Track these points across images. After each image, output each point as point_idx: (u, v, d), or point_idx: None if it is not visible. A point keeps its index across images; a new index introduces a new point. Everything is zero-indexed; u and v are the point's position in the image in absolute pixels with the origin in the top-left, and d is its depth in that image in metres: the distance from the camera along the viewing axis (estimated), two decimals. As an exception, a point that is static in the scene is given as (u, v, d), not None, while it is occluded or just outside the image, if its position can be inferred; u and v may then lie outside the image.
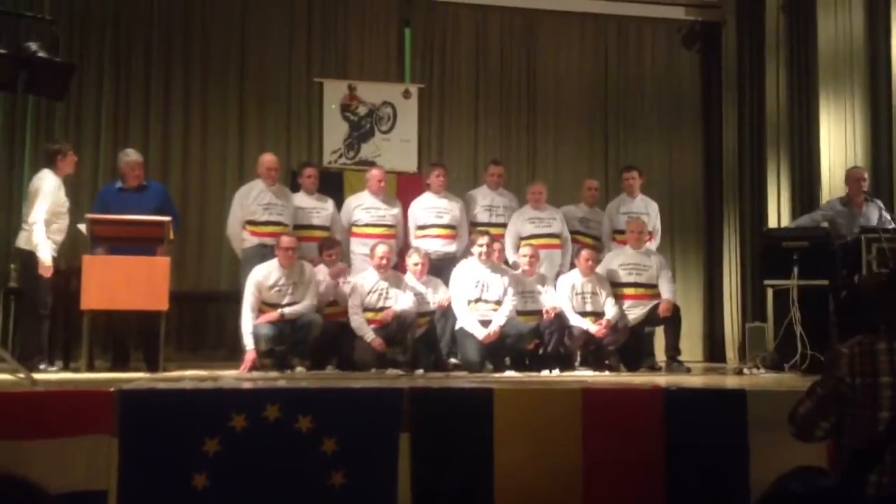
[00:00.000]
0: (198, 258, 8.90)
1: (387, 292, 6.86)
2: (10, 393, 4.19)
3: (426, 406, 4.37)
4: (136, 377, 5.58)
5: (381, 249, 6.91)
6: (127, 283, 6.08)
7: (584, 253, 7.35)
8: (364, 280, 6.90)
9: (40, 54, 4.98)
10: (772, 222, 8.81)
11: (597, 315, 7.19)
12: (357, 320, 6.77)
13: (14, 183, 8.44)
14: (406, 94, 9.66)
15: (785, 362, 6.59)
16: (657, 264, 7.51)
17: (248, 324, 6.57)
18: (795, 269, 6.60)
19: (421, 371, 6.64)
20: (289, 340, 6.60)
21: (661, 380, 5.95)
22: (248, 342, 6.54)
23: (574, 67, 10.16)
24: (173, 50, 9.20)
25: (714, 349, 9.79)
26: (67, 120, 8.77)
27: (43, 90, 5.44)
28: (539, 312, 7.10)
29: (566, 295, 7.20)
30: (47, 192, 6.48)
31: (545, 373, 6.80)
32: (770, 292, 7.50)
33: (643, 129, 10.17)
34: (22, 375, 4.99)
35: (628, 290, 7.41)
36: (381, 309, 6.82)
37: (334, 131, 9.47)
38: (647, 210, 8.09)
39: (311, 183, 7.60)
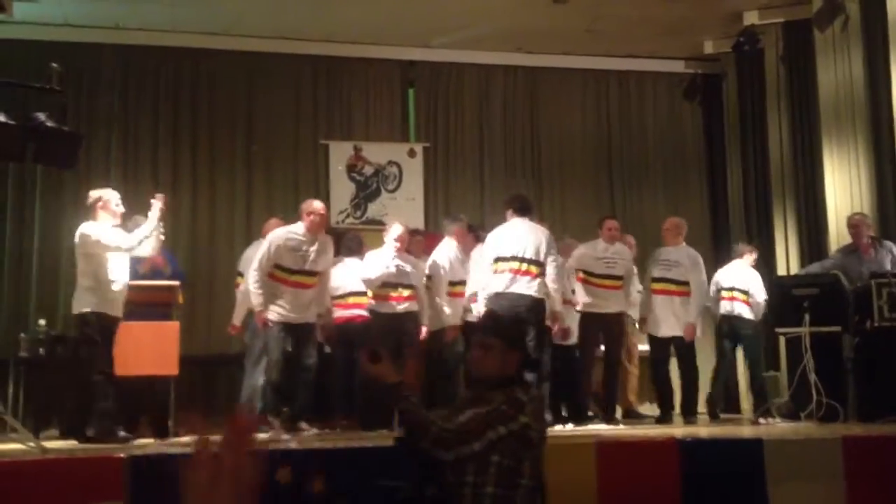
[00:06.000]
0: (207, 322, 8.87)
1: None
2: (19, 462, 4.17)
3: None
4: (147, 443, 5.55)
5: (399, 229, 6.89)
6: (137, 349, 6.08)
7: (608, 222, 7.42)
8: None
9: (49, 124, 5.04)
10: (780, 270, 8.77)
11: (618, 278, 7.22)
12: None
13: (24, 250, 8.56)
14: (411, 153, 9.74)
15: (800, 411, 6.51)
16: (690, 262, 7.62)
17: (257, 283, 6.22)
18: (807, 317, 6.57)
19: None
20: (295, 394, 6.33)
21: (677, 431, 5.88)
22: (257, 301, 6.24)
23: (577, 123, 10.25)
24: (181, 117, 9.33)
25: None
26: (77, 189, 8.82)
27: (51, 160, 5.50)
28: None
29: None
30: None
31: (558, 427, 6.72)
32: (783, 340, 7.44)
33: (648, 181, 10.22)
34: (32, 444, 4.97)
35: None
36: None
37: (341, 192, 9.55)
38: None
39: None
